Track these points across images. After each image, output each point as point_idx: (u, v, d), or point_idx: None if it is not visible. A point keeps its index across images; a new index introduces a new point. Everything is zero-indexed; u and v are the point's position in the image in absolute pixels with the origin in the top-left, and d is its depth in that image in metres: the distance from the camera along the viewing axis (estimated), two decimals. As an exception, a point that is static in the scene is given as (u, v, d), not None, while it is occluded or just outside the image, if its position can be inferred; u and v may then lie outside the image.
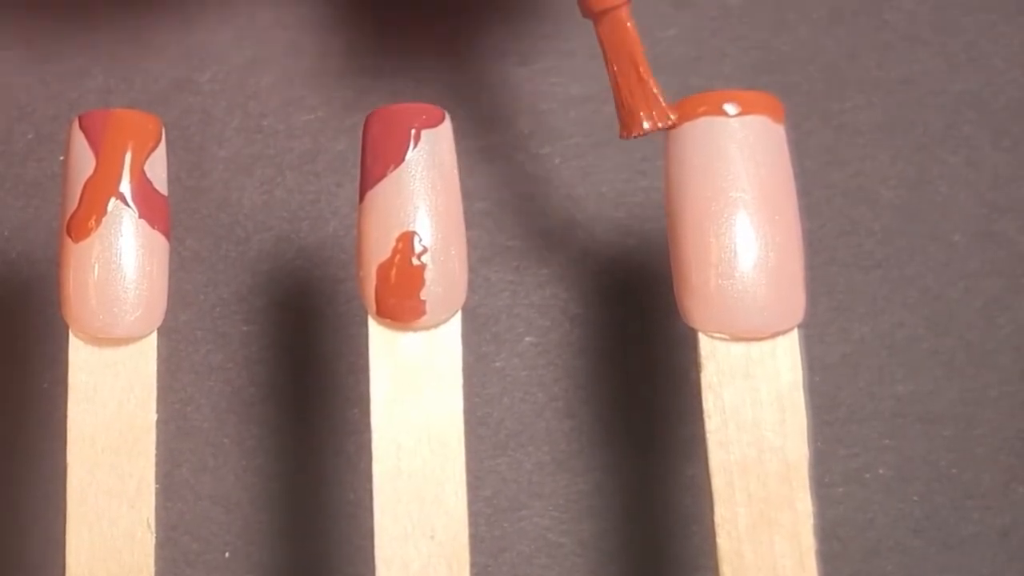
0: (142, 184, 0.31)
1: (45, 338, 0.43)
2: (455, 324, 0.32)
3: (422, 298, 0.31)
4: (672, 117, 0.33)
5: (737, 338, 0.31)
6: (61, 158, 0.40)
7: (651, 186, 0.44)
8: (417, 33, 0.46)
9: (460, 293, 0.32)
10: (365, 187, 0.32)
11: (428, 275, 0.31)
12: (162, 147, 0.32)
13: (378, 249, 0.31)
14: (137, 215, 0.31)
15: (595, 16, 0.35)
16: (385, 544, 0.31)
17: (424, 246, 0.31)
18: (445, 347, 0.32)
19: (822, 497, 0.35)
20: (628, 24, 0.34)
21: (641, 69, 0.34)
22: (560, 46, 0.46)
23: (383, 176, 0.31)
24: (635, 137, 0.34)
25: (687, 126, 0.32)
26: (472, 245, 0.33)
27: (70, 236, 0.31)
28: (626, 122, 0.34)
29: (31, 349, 0.43)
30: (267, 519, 0.42)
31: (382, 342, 0.32)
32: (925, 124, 0.45)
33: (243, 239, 0.44)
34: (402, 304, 0.31)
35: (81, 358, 0.32)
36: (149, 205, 0.31)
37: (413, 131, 0.32)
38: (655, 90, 0.34)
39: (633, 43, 0.34)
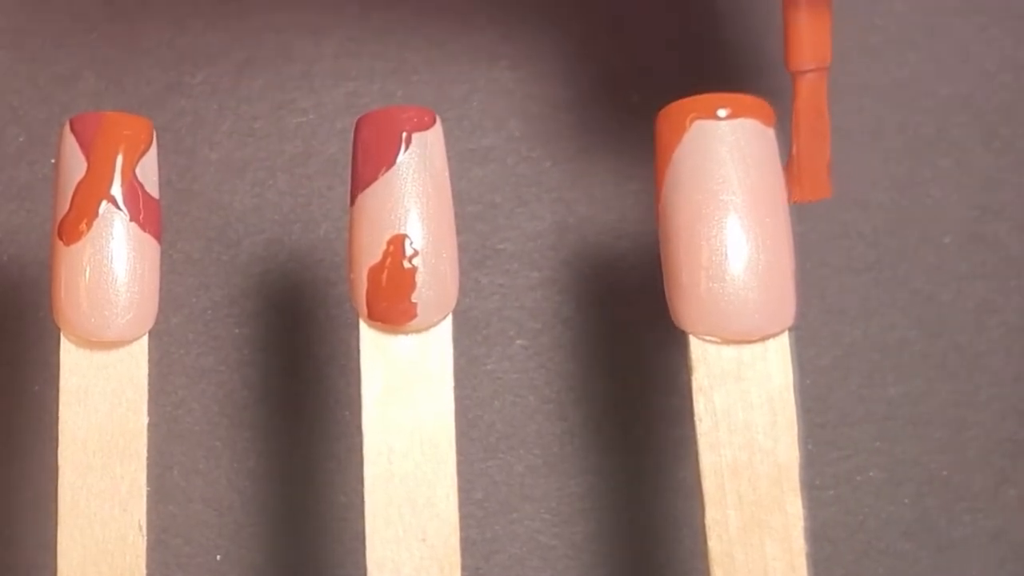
0: (133, 187, 0.31)
1: (36, 341, 0.43)
2: (446, 327, 0.32)
3: (413, 301, 0.31)
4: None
5: (728, 341, 0.31)
6: (52, 161, 0.40)
7: (642, 189, 0.44)
8: (408, 36, 0.46)
9: (451, 296, 0.32)
10: (356, 190, 0.32)
11: (419, 278, 0.31)
12: (153, 150, 0.32)
13: (369, 252, 0.31)
14: (128, 218, 0.31)
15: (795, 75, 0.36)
16: (376, 547, 0.31)
17: (415, 249, 0.31)
18: (436, 350, 0.32)
19: (813, 499, 0.35)
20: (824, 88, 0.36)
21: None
22: (552, 49, 0.46)
23: (374, 179, 0.31)
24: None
25: (678, 130, 0.32)
26: (463, 248, 0.33)
27: (61, 239, 0.31)
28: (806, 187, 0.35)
29: (22, 352, 0.43)
30: (259, 522, 0.42)
31: (373, 345, 0.32)
32: (916, 127, 0.45)
33: (234, 242, 0.44)
34: (393, 307, 0.31)
35: (72, 361, 0.31)
36: (140, 208, 0.31)
37: (404, 134, 0.32)
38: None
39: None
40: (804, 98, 0.35)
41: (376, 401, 0.32)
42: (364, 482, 0.31)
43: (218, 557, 0.42)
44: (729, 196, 0.31)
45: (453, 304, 0.32)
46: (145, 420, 0.31)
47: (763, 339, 0.32)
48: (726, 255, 0.31)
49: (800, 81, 0.35)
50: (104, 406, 0.31)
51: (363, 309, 0.32)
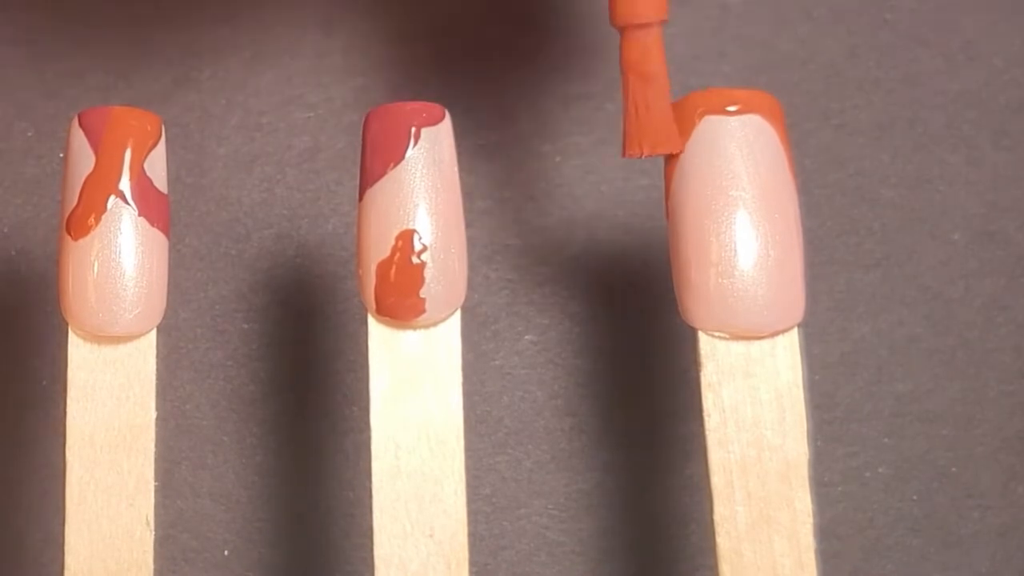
0: (142, 182, 0.31)
1: (44, 336, 0.43)
2: (454, 322, 0.32)
3: (422, 296, 0.31)
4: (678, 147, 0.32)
5: (737, 337, 0.31)
6: (61, 156, 0.40)
7: (651, 184, 0.44)
8: (417, 31, 0.46)
9: (460, 291, 0.32)
10: (365, 185, 0.32)
11: (428, 273, 0.31)
12: (162, 145, 0.32)
13: (378, 247, 0.31)
14: (136, 213, 0.31)
15: (621, 30, 0.33)
16: (384, 543, 0.31)
17: (424, 244, 0.31)
18: (444, 345, 0.32)
19: (821, 496, 0.35)
20: (656, 45, 0.33)
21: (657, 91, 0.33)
22: (561, 43, 0.46)
23: (383, 174, 0.31)
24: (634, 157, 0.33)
25: (687, 125, 0.32)
26: (472, 243, 0.33)
27: (70, 234, 0.31)
28: (627, 142, 0.33)
29: (30, 347, 0.43)
30: (266, 517, 0.42)
31: (381, 340, 0.32)
32: (925, 123, 0.45)
33: (243, 237, 0.44)
34: (402, 302, 0.31)
35: (80, 356, 0.32)
36: (149, 203, 0.31)
37: (413, 129, 0.32)
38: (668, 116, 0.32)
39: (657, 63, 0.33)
40: (631, 59, 0.32)
41: (384, 397, 0.32)
42: (372, 478, 0.32)
43: (226, 552, 0.42)
44: (738, 192, 0.31)
45: (462, 300, 0.32)
46: (153, 415, 0.32)
47: (772, 335, 0.32)
48: (735, 251, 0.31)
49: (628, 38, 0.32)
50: (112, 401, 0.31)
51: (371, 304, 0.32)
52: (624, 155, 0.33)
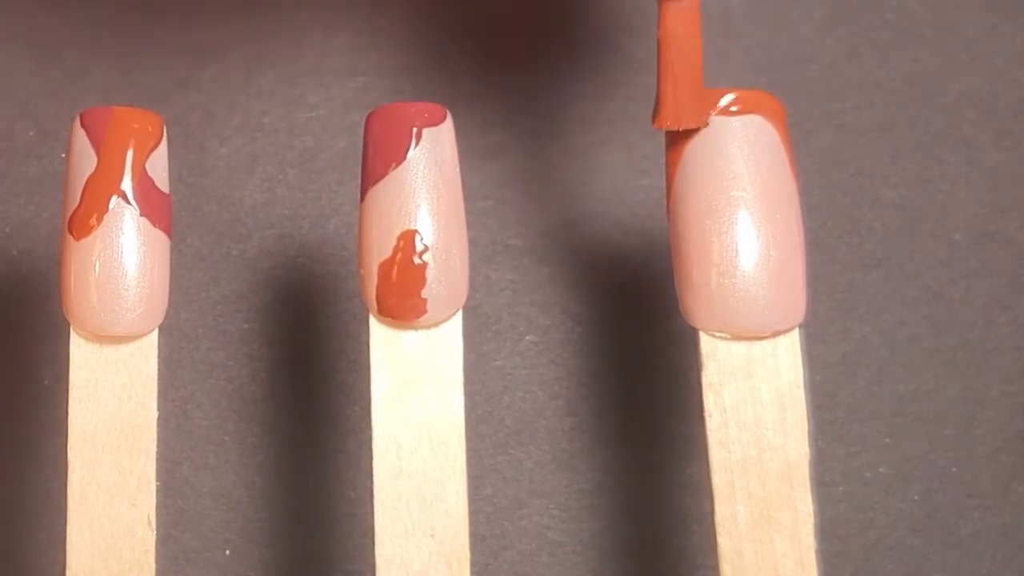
0: (143, 182, 0.31)
1: (46, 336, 0.43)
2: (456, 322, 0.32)
3: (423, 297, 0.31)
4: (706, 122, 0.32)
5: (738, 337, 0.31)
6: (63, 155, 0.40)
7: (653, 185, 0.44)
8: (418, 31, 0.46)
9: (461, 292, 0.32)
10: (366, 185, 0.32)
11: (429, 274, 0.31)
12: (163, 145, 0.32)
13: (379, 247, 0.31)
14: (138, 213, 0.31)
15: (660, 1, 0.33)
16: (385, 542, 0.31)
17: (425, 245, 0.31)
18: (446, 345, 0.32)
19: (822, 496, 0.35)
20: (694, 16, 0.33)
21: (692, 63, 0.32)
22: (562, 43, 0.46)
23: (384, 174, 0.31)
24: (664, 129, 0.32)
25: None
26: (473, 243, 0.33)
27: (71, 234, 0.31)
28: (663, 114, 0.32)
29: (32, 346, 0.43)
30: (267, 517, 0.42)
31: (383, 340, 0.32)
32: (926, 123, 0.45)
33: (244, 237, 0.44)
34: (403, 303, 0.31)
35: (82, 356, 0.32)
36: (150, 203, 0.31)
37: (415, 129, 0.32)
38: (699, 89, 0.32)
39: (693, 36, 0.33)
40: (669, 30, 0.32)
41: (385, 397, 0.32)
42: (373, 478, 0.31)
43: (227, 552, 0.42)
44: (740, 192, 0.31)
45: (463, 300, 0.32)
46: (154, 415, 0.32)
47: (773, 335, 0.32)
48: (737, 251, 0.31)
49: (666, 9, 0.32)
50: (113, 401, 0.31)
51: (373, 305, 0.32)
52: (657, 127, 0.32)
